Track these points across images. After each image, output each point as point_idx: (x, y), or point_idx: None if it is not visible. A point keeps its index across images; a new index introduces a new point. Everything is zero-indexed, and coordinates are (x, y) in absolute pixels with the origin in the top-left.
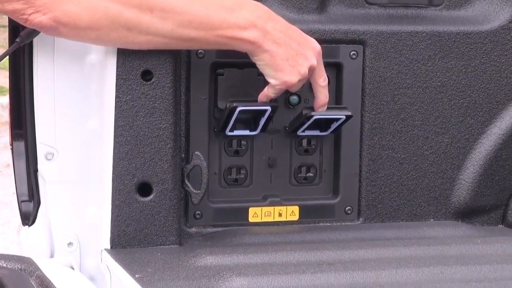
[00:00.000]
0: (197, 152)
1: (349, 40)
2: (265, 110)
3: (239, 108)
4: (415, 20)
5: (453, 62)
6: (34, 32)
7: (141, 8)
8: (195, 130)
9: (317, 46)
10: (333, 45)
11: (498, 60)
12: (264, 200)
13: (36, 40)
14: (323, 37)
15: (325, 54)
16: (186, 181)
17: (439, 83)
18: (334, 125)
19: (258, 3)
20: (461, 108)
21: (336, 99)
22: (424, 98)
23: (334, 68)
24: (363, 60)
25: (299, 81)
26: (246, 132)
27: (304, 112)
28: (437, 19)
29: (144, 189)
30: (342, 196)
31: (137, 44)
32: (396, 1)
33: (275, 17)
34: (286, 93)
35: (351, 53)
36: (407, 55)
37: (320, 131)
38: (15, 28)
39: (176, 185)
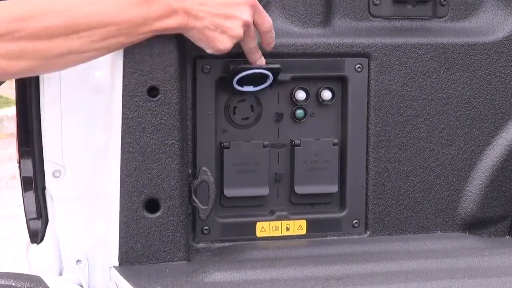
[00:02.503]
0: (204, 168)
1: (354, 53)
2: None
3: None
4: (419, 32)
5: (458, 74)
6: None
7: (66, 35)
8: (201, 145)
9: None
10: (338, 58)
11: (503, 71)
12: (271, 214)
13: None
14: (328, 50)
15: (330, 67)
16: (194, 197)
17: (445, 95)
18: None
19: None
20: (466, 119)
21: (342, 112)
22: (430, 110)
23: (339, 81)
24: (368, 73)
25: (234, 43)
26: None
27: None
28: (441, 31)
29: (152, 205)
30: (349, 209)
31: (75, 63)
32: (400, 14)
33: None
34: (292, 107)
35: (356, 66)
36: (412, 67)
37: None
38: None
39: (184, 201)
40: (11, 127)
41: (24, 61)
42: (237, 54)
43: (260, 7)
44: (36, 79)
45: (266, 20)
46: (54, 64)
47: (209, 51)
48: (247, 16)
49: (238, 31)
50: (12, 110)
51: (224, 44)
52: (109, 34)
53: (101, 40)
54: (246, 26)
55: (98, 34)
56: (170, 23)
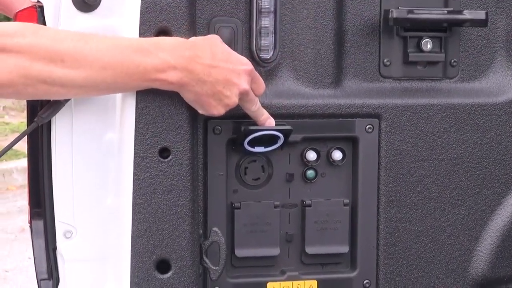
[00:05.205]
0: (215, 229)
1: (365, 114)
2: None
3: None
4: (429, 93)
5: (468, 134)
6: (52, 113)
7: (51, 60)
8: (212, 206)
9: (248, 67)
10: (349, 119)
11: None
12: (282, 274)
13: (54, 120)
14: (338, 111)
15: (341, 128)
16: (205, 257)
17: (455, 155)
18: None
19: (180, 40)
20: (477, 179)
21: (353, 172)
22: (440, 170)
23: (350, 141)
24: (378, 133)
25: (228, 110)
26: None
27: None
28: (451, 91)
29: (163, 266)
30: (360, 269)
31: (57, 95)
32: (410, 75)
33: (200, 52)
34: (303, 167)
35: (367, 127)
36: (422, 128)
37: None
38: (33, 108)
39: (195, 262)
40: (21, 179)
41: (2, 75)
42: (247, 115)
43: (256, 73)
44: (48, 140)
45: (261, 86)
46: (35, 89)
47: (201, 112)
48: (245, 84)
49: (234, 99)
50: (21, 162)
51: (218, 110)
52: (95, 70)
53: (85, 73)
54: (243, 94)
55: (84, 67)
56: (165, 77)
